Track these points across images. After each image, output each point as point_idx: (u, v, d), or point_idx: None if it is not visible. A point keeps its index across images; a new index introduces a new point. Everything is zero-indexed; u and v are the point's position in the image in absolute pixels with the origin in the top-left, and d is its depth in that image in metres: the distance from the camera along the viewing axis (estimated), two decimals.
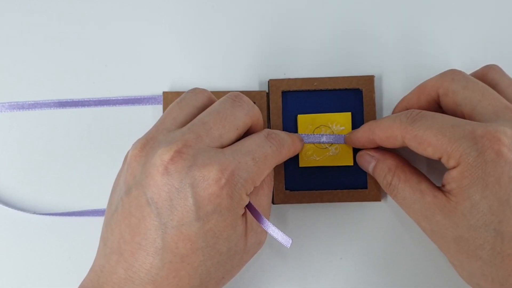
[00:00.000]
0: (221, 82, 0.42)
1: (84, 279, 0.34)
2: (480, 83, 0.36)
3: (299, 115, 0.41)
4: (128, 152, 0.34)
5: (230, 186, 0.32)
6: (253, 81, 0.42)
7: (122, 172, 0.35)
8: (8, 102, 0.43)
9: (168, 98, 0.41)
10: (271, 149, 0.35)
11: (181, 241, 0.31)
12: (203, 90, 0.36)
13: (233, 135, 0.34)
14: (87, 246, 0.40)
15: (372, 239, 0.41)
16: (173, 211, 0.31)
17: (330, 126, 0.41)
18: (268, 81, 0.41)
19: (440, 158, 0.34)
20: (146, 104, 0.42)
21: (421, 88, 0.38)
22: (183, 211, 0.31)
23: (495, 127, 0.32)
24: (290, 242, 0.33)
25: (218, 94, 0.38)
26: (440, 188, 0.34)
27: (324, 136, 0.40)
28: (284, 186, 0.40)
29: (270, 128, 0.38)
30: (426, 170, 0.41)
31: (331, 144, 0.40)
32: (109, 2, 0.43)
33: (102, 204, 0.41)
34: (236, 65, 0.43)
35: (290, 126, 0.41)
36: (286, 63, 0.43)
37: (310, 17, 0.43)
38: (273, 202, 0.40)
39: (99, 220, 0.41)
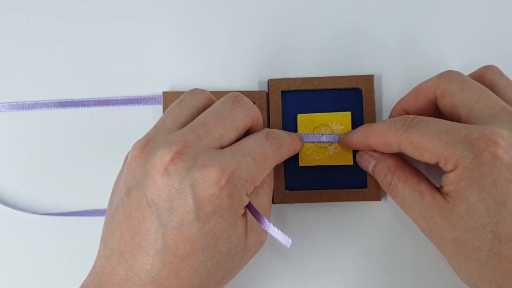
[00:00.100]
0: (221, 82, 0.42)
1: (84, 280, 0.34)
2: (478, 84, 0.35)
3: (298, 115, 0.41)
4: (128, 153, 0.34)
5: (230, 187, 0.32)
6: (252, 81, 0.42)
7: (122, 173, 0.35)
8: (8, 102, 0.43)
9: (168, 98, 0.41)
10: (271, 148, 0.35)
11: (181, 242, 0.31)
12: (203, 91, 0.36)
13: (233, 135, 0.34)
14: (87, 246, 0.40)
15: (372, 238, 0.41)
16: (173, 212, 0.31)
17: (330, 125, 0.41)
18: (268, 81, 0.41)
19: (437, 163, 0.34)
20: (146, 104, 0.42)
21: (418, 89, 0.38)
22: (183, 211, 0.31)
23: (491, 129, 0.32)
24: (290, 242, 0.33)
25: (218, 94, 0.38)
26: (439, 190, 0.35)
27: (323, 135, 0.40)
28: (284, 186, 0.40)
29: (270, 128, 0.38)
30: (426, 170, 0.41)
31: (331, 143, 0.40)
32: (109, 2, 0.43)
33: (102, 204, 0.41)
34: (236, 65, 0.43)
35: (290, 125, 0.41)
36: (285, 63, 0.43)
37: (310, 17, 0.43)
38: (273, 202, 0.40)
39: (99, 220, 0.41)
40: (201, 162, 0.31)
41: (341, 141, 0.40)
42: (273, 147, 0.35)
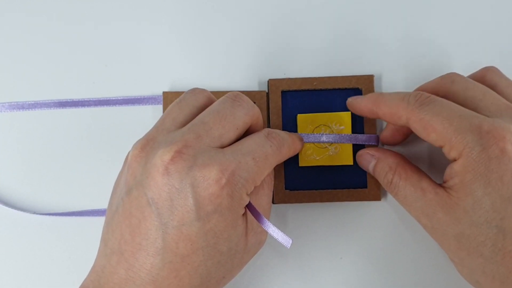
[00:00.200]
0: (221, 82, 0.42)
1: (85, 280, 0.34)
2: (480, 85, 0.36)
3: (298, 115, 0.41)
4: (128, 153, 0.34)
5: (231, 186, 0.32)
6: (252, 81, 0.43)
7: (122, 172, 0.35)
8: (8, 102, 0.43)
9: (168, 98, 0.41)
10: (271, 148, 0.35)
11: (182, 241, 0.31)
12: (203, 90, 0.36)
13: (233, 134, 0.34)
14: (87, 246, 0.40)
15: (372, 238, 0.41)
16: (173, 211, 0.31)
17: (330, 125, 0.41)
18: (268, 81, 0.41)
19: (441, 147, 0.33)
20: (146, 104, 0.42)
21: (420, 90, 0.38)
22: (183, 211, 0.31)
23: (502, 124, 0.32)
24: (290, 242, 0.33)
25: (218, 94, 0.38)
26: (442, 185, 0.34)
27: (324, 135, 0.40)
28: (284, 186, 0.40)
29: (270, 128, 0.38)
30: (427, 169, 0.41)
31: (331, 143, 0.40)
32: (109, 2, 0.43)
33: (102, 204, 0.41)
34: (236, 65, 0.43)
35: (290, 125, 0.41)
36: (285, 63, 0.43)
37: (310, 17, 0.43)
38: (273, 202, 0.40)
39: (99, 220, 0.41)
40: (201, 161, 0.31)
41: (349, 104, 0.39)
42: (274, 147, 0.35)
